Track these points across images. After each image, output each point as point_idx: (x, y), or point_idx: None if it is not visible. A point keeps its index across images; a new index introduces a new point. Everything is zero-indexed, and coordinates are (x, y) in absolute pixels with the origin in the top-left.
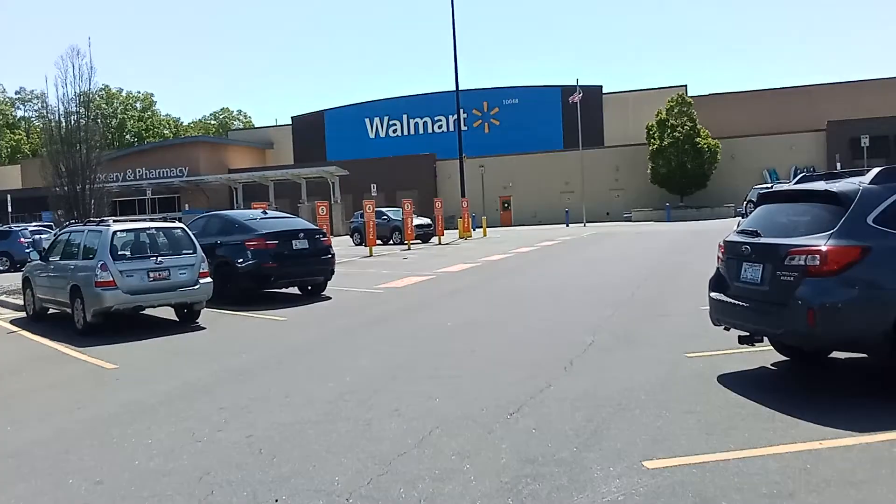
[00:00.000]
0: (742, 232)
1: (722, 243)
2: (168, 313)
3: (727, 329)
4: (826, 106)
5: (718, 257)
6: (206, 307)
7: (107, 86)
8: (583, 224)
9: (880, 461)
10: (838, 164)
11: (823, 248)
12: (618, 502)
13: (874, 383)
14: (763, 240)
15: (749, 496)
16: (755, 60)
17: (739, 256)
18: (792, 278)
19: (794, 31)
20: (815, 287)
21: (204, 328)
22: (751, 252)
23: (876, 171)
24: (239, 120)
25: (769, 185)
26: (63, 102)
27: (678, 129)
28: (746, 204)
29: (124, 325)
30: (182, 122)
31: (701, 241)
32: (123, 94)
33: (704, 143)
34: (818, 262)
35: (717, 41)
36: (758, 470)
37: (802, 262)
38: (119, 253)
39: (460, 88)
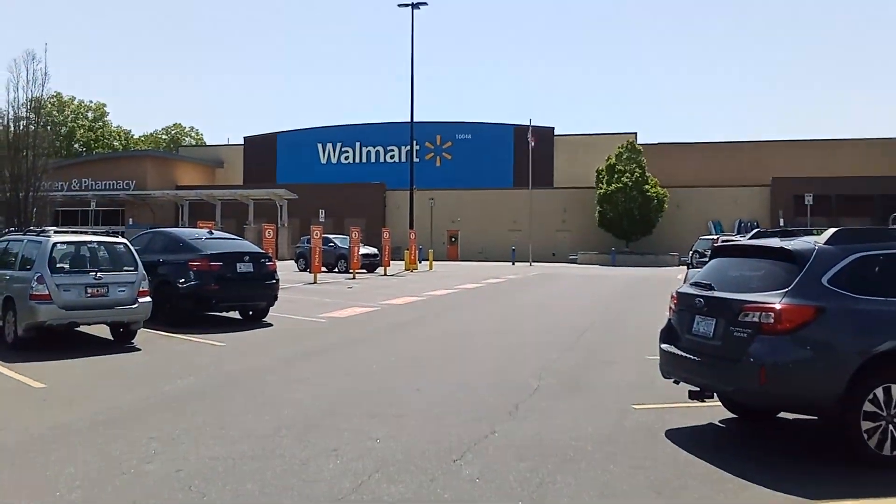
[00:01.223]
0: (695, 284)
1: (675, 294)
2: (103, 331)
3: (677, 382)
4: (771, 162)
5: (670, 308)
6: (143, 327)
7: (59, 93)
8: (529, 263)
9: None
10: (781, 220)
11: (778, 306)
12: None
13: (823, 446)
14: (717, 293)
15: None
16: (705, 114)
17: (692, 309)
18: (745, 335)
19: (744, 88)
20: (768, 345)
21: (139, 349)
22: (704, 305)
23: (831, 231)
24: (191, 136)
25: (714, 237)
26: (13, 107)
27: (626, 174)
28: (692, 254)
29: (56, 342)
30: (133, 135)
31: (646, 287)
32: (76, 102)
33: (652, 191)
34: (772, 320)
35: (668, 93)
36: None
37: (756, 319)
38: (57, 266)
39: (415, 120)
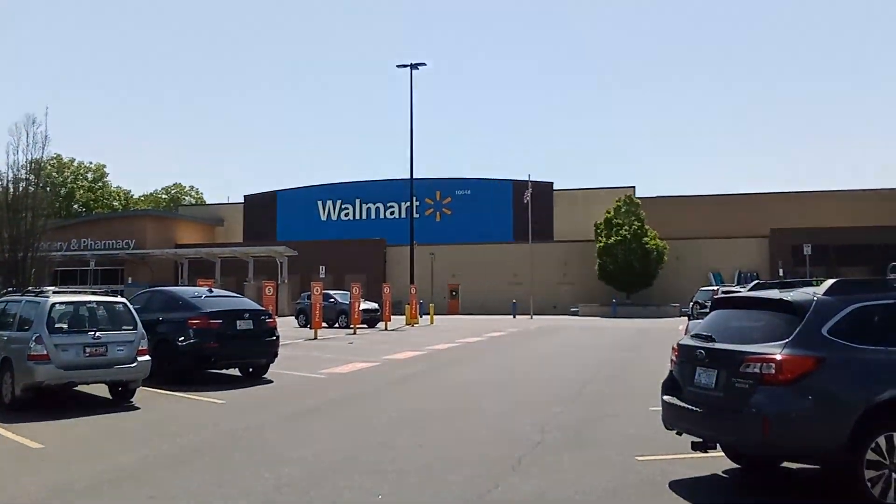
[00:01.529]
0: (696, 336)
1: (676, 346)
2: (102, 390)
3: (680, 434)
4: (770, 213)
5: (672, 360)
6: (143, 385)
7: (59, 154)
8: (530, 316)
9: None
10: (781, 271)
11: (779, 357)
12: None
13: (826, 495)
14: (718, 345)
15: None
16: (703, 166)
17: (694, 360)
18: (747, 385)
19: (741, 140)
20: (769, 396)
21: (138, 408)
22: (705, 357)
23: (830, 282)
24: (191, 196)
25: (714, 288)
26: (13, 169)
27: (625, 227)
28: (692, 305)
29: (55, 401)
30: (133, 195)
31: (647, 339)
32: (75, 163)
33: (652, 244)
34: (773, 371)
35: (666, 146)
36: None
37: (758, 370)
38: (56, 326)
39: (414, 177)
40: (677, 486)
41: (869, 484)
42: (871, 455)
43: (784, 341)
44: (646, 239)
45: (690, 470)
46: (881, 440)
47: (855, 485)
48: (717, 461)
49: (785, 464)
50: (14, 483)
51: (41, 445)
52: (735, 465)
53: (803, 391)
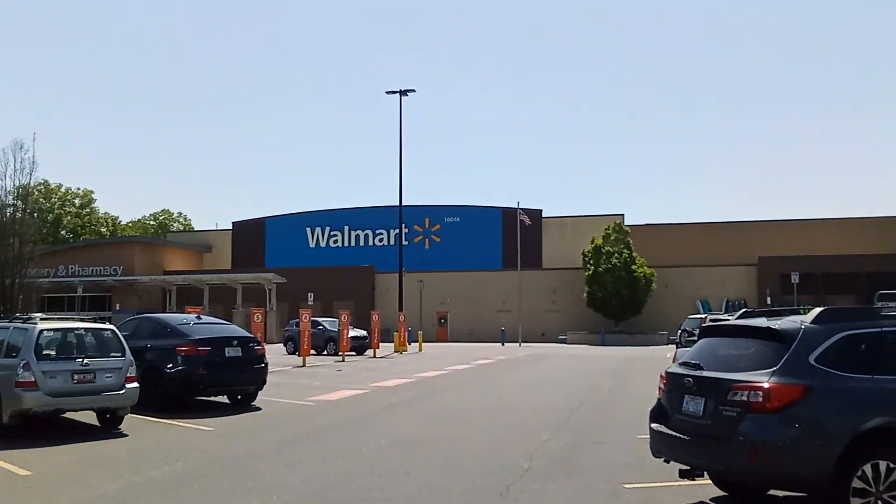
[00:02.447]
0: (684, 364)
1: (664, 374)
2: (89, 417)
3: (667, 461)
4: (758, 241)
5: (660, 388)
6: (131, 413)
7: (46, 180)
8: (518, 343)
9: None
10: (768, 299)
11: (766, 385)
12: None
13: None
14: (705, 373)
15: None
16: (692, 194)
17: (681, 388)
18: (734, 413)
19: (730, 168)
20: (757, 423)
21: (126, 435)
22: (693, 385)
23: (818, 311)
24: (179, 222)
25: (702, 316)
26: (0, 195)
27: (614, 255)
28: (681, 333)
29: (42, 428)
30: (120, 221)
31: (635, 367)
32: (62, 189)
33: (640, 272)
34: (761, 399)
35: (655, 174)
36: None
37: (745, 398)
38: (44, 352)
39: (403, 204)
40: None
41: None
42: (857, 483)
43: (772, 369)
44: (634, 267)
45: (678, 498)
46: (867, 468)
47: None
48: (704, 488)
49: (772, 491)
50: None
51: (29, 472)
52: (722, 493)
53: (791, 419)
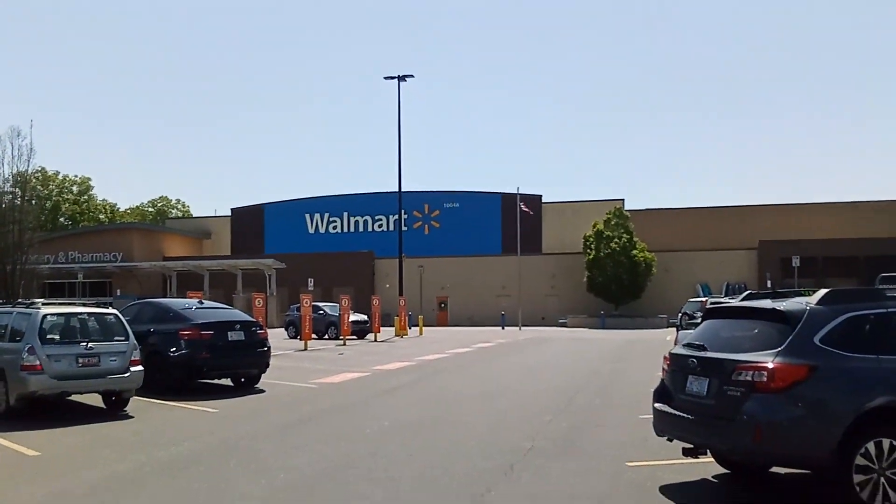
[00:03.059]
0: (688, 345)
1: (668, 355)
2: (95, 400)
3: (670, 440)
4: (758, 225)
5: (664, 369)
6: (135, 396)
7: (43, 168)
8: (518, 328)
9: None
10: (769, 282)
11: (771, 365)
12: None
13: (814, 499)
14: (709, 354)
15: None
16: (692, 179)
17: (685, 369)
18: (738, 393)
19: (730, 153)
20: (761, 403)
21: (132, 417)
22: (697, 365)
23: (823, 292)
24: (177, 209)
25: (703, 299)
26: None
27: (615, 240)
28: (681, 316)
29: (49, 411)
30: (119, 208)
31: (636, 350)
32: (60, 176)
33: (640, 256)
34: (765, 379)
35: (655, 159)
36: None
37: (749, 378)
38: (48, 337)
39: (403, 190)
40: (668, 491)
41: (858, 488)
42: (860, 460)
43: (776, 350)
44: (634, 251)
45: (680, 475)
46: (870, 446)
47: (844, 489)
48: (707, 466)
49: (774, 469)
50: (12, 490)
51: (37, 453)
52: (724, 471)
53: (795, 399)
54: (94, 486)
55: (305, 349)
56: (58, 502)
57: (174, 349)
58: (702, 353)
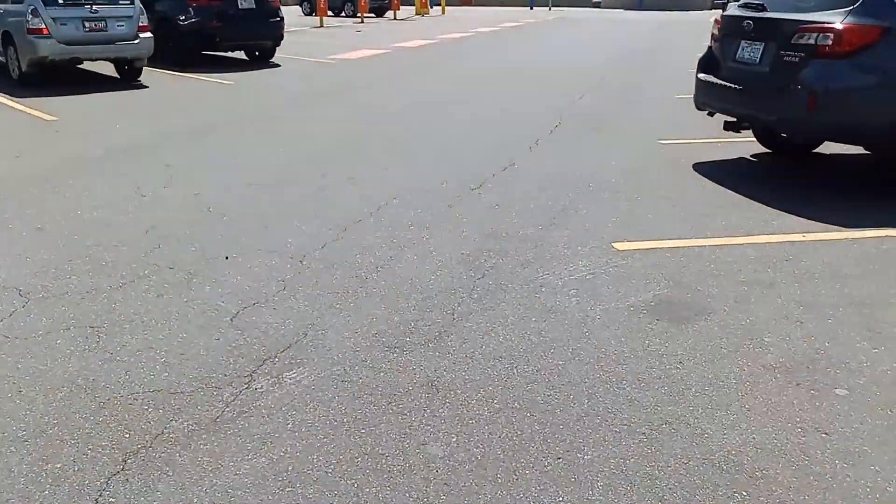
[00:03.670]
0: (745, 5)
1: (718, 17)
2: (108, 69)
3: (711, 114)
4: None
5: (713, 34)
6: (149, 67)
7: None
8: (548, 8)
9: (868, 256)
10: None
11: (839, 27)
12: (586, 280)
13: (864, 179)
14: (769, 14)
15: (726, 283)
16: None
17: (738, 33)
18: (797, 59)
19: None
20: (821, 69)
21: (147, 87)
22: (752, 28)
23: None
24: None
25: None
26: None
27: None
28: None
29: (64, 79)
30: None
31: (676, 30)
32: None
33: None
34: (831, 42)
35: None
36: (736, 258)
37: (812, 41)
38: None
39: None
40: (703, 168)
41: None
42: None
43: (847, 9)
44: None
45: (717, 153)
46: None
47: None
48: (745, 145)
49: (819, 150)
50: (33, 151)
51: (55, 118)
52: (764, 150)
53: (860, 65)
54: (112, 150)
55: (321, 26)
56: (77, 162)
57: (183, 17)
58: (760, 14)
